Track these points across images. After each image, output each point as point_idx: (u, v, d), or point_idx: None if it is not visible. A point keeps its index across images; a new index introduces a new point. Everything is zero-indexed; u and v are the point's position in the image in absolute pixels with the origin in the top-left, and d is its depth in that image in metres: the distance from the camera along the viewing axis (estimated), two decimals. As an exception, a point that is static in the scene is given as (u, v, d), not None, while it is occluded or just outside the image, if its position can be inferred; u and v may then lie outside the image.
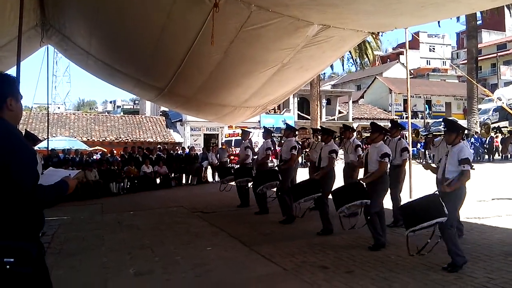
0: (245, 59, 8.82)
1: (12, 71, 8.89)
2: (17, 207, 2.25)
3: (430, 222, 5.00)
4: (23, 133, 8.81)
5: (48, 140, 15.43)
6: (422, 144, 25.25)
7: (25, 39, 8.00)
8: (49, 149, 15.33)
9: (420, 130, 28.07)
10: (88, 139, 28.01)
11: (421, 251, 5.21)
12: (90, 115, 37.71)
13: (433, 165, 5.99)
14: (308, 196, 7.43)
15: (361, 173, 8.52)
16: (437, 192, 5.29)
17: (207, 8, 6.57)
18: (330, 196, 7.21)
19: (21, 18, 6.17)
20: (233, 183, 10.73)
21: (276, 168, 9.36)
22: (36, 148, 10.79)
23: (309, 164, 9.61)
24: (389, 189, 6.78)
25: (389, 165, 6.59)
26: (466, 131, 6.10)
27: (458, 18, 35.84)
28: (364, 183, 6.47)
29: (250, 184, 10.14)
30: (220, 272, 5.50)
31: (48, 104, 15.72)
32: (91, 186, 14.16)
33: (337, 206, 6.47)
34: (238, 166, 11.24)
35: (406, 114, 36.96)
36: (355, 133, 9.36)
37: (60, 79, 69.80)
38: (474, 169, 5.54)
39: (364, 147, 10.62)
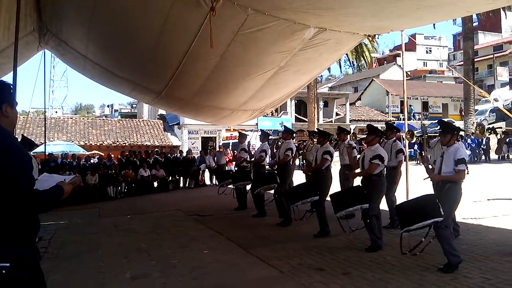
0: (242, 62, 8.84)
1: (9, 77, 8.93)
2: (12, 212, 2.27)
3: (426, 222, 5.04)
4: (20, 138, 8.82)
5: (45, 145, 15.41)
6: (418, 145, 25.37)
7: (22, 45, 7.99)
8: (47, 153, 15.31)
9: (416, 131, 28.18)
10: (85, 143, 27.95)
11: (413, 250, 5.26)
12: (87, 119, 37.62)
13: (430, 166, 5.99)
14: (305, 199, 7.44)
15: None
16: (433, 193, 5.34)
17: (204, 12, 6.60)
18: (327, 198, 7.26)
19: (17, 24, 6.16)
20: (231, 186, 10.73)
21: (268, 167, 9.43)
22: (33, 153, 10.79)
23: (305, 166, 9.64)
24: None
25: (385, 168, 6.60)
26: (461, 132, 6.14)
27: (454, 20, 35.97)
28: (361, 183, 6.52)
29: (248, 187, 10.18)
30: (217, 275, 5.51)
31: (45, 108, 15.70)
32: (89, 190, 14.15)
33: (336, 210, 6.49)
34: (236, 168, 11.27)
35: (403, 115, 37.05)
36: (349, 135, 9.39)
37: (57, 84, 69.81)
38: (468, 173, 5.57)
39: (361, 148, 10.67)
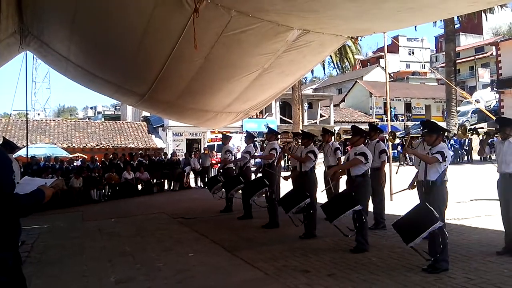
0: (226, 64, 8.82)
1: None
2: (-8, 217, 2.23)
3: (426, 232, 5.06)
4: (1, 141, 8.69)
5: (27, 148, 15.18)
6: (401, 146, 25.58)
7: (3, 47, 7.88)
8: (30, 156, 15.09)
9: (399, 132, 28.44)
10: (68, 146, 27.62)
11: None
12: (70, 121, 37.23)
13: (410, 163, 6.05)
14: (298, 205, 7.39)
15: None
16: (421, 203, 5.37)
17: (187, 13, 6.56)
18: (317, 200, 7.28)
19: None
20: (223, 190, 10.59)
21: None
22: (15, 155, 10.62)
23: (290, 168, 9.63)
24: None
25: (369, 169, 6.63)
26: (446, 133, 6.19)
27: (434, 22, 36.37)
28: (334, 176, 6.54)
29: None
30: (202, 278, 5.48)
31: (27, 110, 15.43)
32: (72, 193, 14.00)
33: (331, 218, 6.47)
34: (222, 171, 11.23)
35: (386, 117, 37.33)
36: (333, 137, 9.42)
37: (39, 85, 68.73)
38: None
39: (346, 149, 10.73)
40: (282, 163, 17.56)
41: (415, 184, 6.08)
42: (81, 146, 28.73)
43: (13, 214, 2.34)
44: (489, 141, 6.32)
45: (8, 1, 7.30)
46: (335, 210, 6.42)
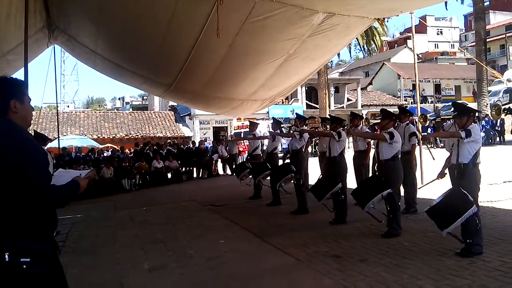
0: (251, 51, 8.78)
1: (20, 73, 8.99)
2: (30, 208, 2.29)
3: (462, 218, 4.94)
4: (32, 134, 8.89)
5: (58, 139, 15.54)
6: (432, 128, 25.15)
7: (32, 41, 8.02)
8: (61, 147, 15.43)
9: (429, 114, 27.94)
10: (98, 137, 28.18)
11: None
12: (99, 112, 37.88)
13: (441, 145, 5.92)
14: (331, 191, 7.34)
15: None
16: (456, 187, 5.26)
17: (211, 1, 6.55)
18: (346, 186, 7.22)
19: (26, 21, 6.18)
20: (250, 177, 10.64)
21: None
22: (46, 147, 10.87)
23: (318, 154, 9.58)
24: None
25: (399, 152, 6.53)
26: (476, 114, 6.03)
27: (462, 1, 35.33)
28: (376, 170, 6.47)
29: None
30: (234, 264, 5.53)
31: (57, 103, 15.77)
32: (104, 183, 14.26)
33: (363, 204, 6.43)
34: (249, 158, 11.25)
35: (413, 99, 36.60)
36: (362, 121, 9.30)
37: (68, 78, 69.74)
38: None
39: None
40: (310, 148, 17.54)
41: (445, 172, 5.94)
42: (111, 137, 29.25)
43: (50, 206, 2.40)
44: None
45: (36, -3, 7.43)
46: (365, 196, 6.37)
